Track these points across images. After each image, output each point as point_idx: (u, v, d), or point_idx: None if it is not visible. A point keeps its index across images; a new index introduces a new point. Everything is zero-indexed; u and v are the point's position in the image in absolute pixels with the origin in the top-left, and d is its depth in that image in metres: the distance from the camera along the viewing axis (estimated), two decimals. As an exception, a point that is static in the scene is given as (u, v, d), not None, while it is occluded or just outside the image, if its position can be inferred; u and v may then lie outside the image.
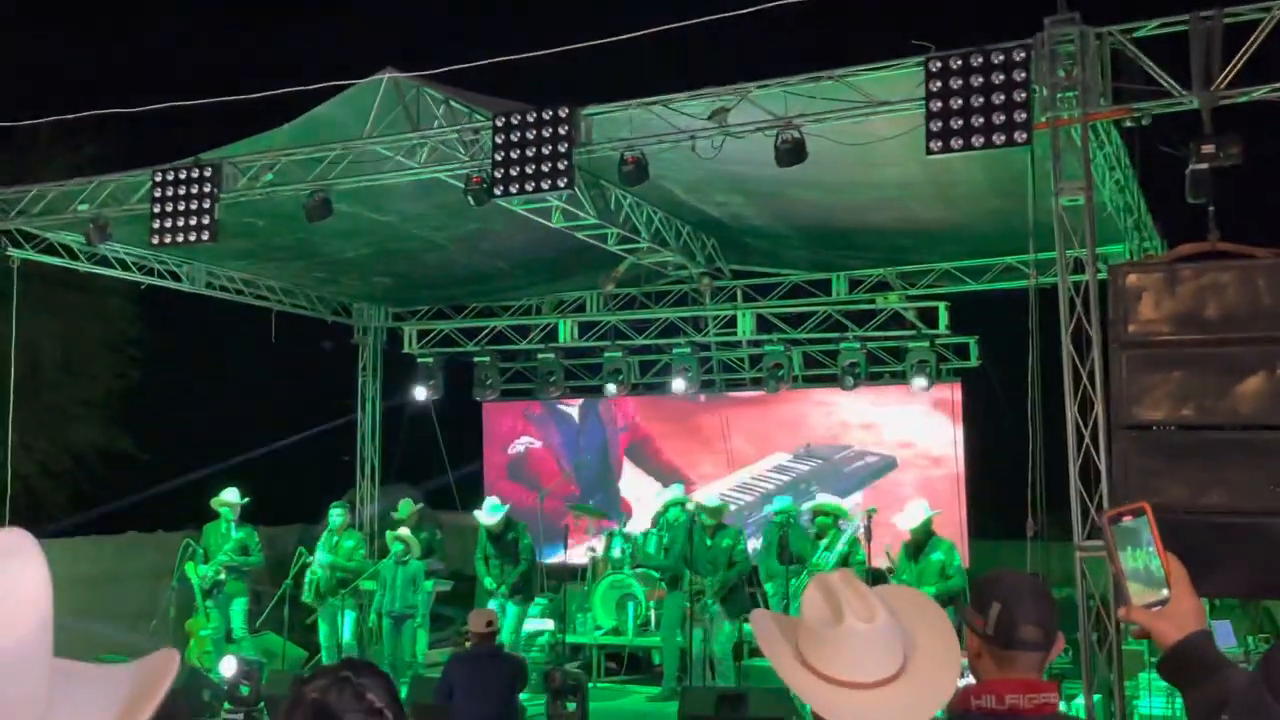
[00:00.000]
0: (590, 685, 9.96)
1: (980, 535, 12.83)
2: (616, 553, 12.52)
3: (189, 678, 9.96)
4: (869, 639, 2.14)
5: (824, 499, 11.29)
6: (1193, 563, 2.02)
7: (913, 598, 2.42)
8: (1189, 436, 5.40)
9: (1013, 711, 2.52)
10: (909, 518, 10.27)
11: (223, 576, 11.51)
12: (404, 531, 11.54)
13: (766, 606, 10.99)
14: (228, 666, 9.90)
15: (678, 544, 11.50)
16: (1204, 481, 5.28)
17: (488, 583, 11.54)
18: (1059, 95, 7.35)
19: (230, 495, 11.73)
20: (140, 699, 1.21)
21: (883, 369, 13.55)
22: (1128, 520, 2.00)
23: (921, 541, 10.16)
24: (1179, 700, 1.98)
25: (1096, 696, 7.36)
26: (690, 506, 11.73)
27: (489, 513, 11.60)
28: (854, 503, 12.55)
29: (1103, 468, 6.84)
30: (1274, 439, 5.19)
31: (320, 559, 11.51)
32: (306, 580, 11.44)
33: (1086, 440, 7.27)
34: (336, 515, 11.82)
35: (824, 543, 10.72)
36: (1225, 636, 8.74)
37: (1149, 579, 1.97)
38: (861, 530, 10.51)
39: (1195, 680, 1.89)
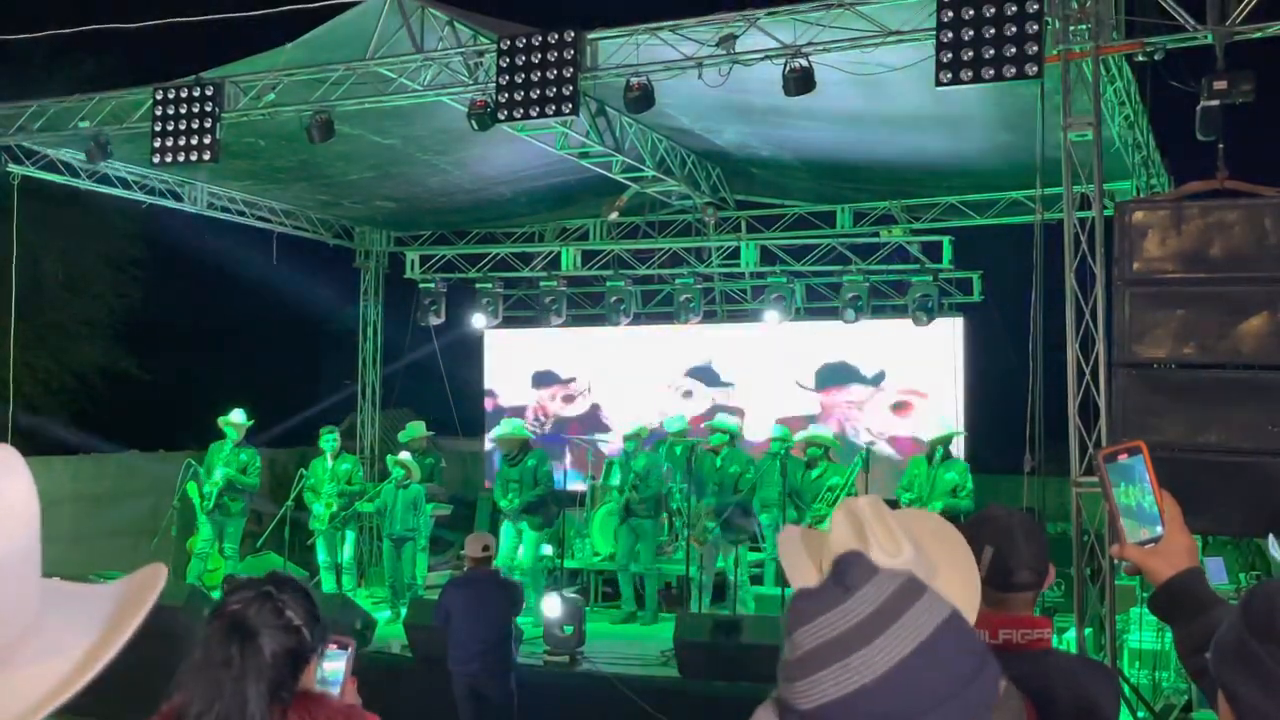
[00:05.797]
0: (587, 610, 10.07)
1: (978, 469, 12.86)
2: (615, 480, 12.55)
3: (189, 596, 10.06)
4: None
5: (816, 430, 11.29)
6: (1188, 500, 2.02)
7: (936, 526, 2.43)
8: (1189, 375, 5.41)
9: (1005, 646, 2.55)
10: (933, 428, 10.46)
11: (224, 493, 11.56)
12: (405, 456, 11.58)
13: (763, 537, 11.06)
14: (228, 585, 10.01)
15: (678, 470, 11.54)
16: (1203, 420, 5.30)
17: (503, 503, 11.37)
18: (1071, 28, 7.25)
19: (237, 417, 11.77)
20: (127, 610, 1.21)
21: (885, 303, 13.51)
22: (1123, 458, 1.99)
23: (936, 455, 10.39)
24: (1168, 635, 1.98)
25: (1088, 630, 7.45)
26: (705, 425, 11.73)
27: (500, 428, 11.57)
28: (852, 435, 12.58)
29: (1102, 405, 6.85)
30: (1275, 379, 5.19)
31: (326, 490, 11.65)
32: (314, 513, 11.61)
33: (1087, 377, 7.28)
34: (329, 440, 11.86)
35: (815, 473, 10.78)
36: (1217, 573, 8.81)
37: (1143, 516, 1.97)
38: (858, 470, 10.62)
39: (1185, 617, 1.90)
